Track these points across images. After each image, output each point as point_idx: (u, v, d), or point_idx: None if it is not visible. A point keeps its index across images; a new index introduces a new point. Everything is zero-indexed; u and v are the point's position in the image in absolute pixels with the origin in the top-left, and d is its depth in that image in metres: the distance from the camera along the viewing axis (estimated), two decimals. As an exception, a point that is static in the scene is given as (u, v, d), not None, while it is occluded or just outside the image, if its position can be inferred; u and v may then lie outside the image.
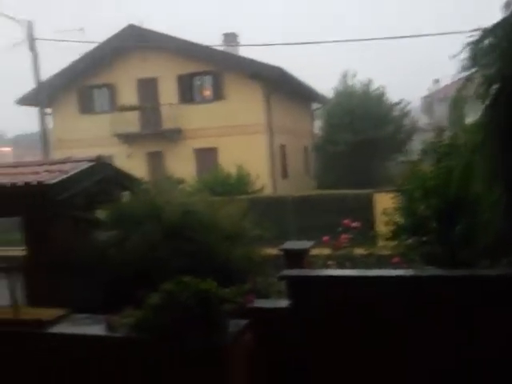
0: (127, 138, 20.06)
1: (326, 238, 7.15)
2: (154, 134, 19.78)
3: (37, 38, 17.03)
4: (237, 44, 22.07)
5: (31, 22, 16.89)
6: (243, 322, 2.81)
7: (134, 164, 16.13)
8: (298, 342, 3.39)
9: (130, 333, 2.68)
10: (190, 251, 3.85)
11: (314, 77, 25.61)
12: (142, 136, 19.90)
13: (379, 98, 21.62)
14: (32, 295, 4.92)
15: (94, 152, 6.87)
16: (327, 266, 6.18)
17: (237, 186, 16.20)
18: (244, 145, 18.61)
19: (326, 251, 6.82)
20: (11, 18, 16.42)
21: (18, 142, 38.33)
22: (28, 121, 23.94)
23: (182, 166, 18.46)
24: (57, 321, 2.84)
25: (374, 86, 21.92)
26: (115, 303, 3.04)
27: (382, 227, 5.31)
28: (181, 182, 13.45)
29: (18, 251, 7.26)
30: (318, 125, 24.87)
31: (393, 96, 21.98)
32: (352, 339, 3.34)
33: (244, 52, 21.80)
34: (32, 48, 16.93)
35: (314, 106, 26.24)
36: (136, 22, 19.87)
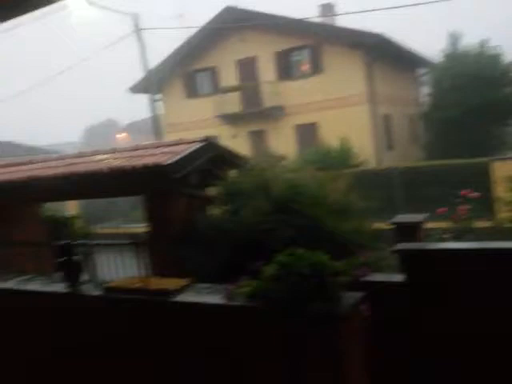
0: (230, 119, 20.64)
1: (441, 210, 6.78)
2: (256, 112, 20.10)
3: (143, 29, 18.04)
4: (333, 14, 21.43)
5: (137, 14, 17.93)
6: (359, 295, 2.80)
7: (237, 143, 16.63)
8: (412, 316, 3.31)
9: (247, 302, 2.81)
10: (298, 224, 3.91)
11: (417, 41, 23.98)
12: (244, 116, 20.33)
13: (494, 58, 19.66)
14: (155, 267, 5.36)
15: (200, 134, 7.20)
16: (443, 240, 5.89)
17: (339, 159, 15.91)
18: (345, 117, 18.19)
19: (441, 224, 6.47)
20: (119, 11, 17.55)
21: (131, 128, 41.24)
22: (140, 108, 25.63)
23: (284, 144, 18.61)
24: (181, 290, 3.06)
25: (490, 44, 19.96)
26: (231, 273, 3.21)
27: (503, 197, 4.92)
28: (283, 158, 13.58)
29: (141, 228, 7.92)
30: (424, 91, 23.34)
31: (509, 54, 19.87)
32: (470, 316, 3.18)
33: (342, 22, 21.14)
34: (139, 38, 18.00)
35: (419, 71, 24.67)
36: (233, 4, 20.18)
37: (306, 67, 19.97)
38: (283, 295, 2.53)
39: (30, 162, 7.27)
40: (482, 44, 19.82)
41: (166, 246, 5.27)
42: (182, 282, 3.13)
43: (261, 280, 2.74)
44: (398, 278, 3.48)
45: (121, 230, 6.76)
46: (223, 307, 2.83)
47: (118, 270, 6.45)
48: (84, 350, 3.24)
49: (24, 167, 7.06)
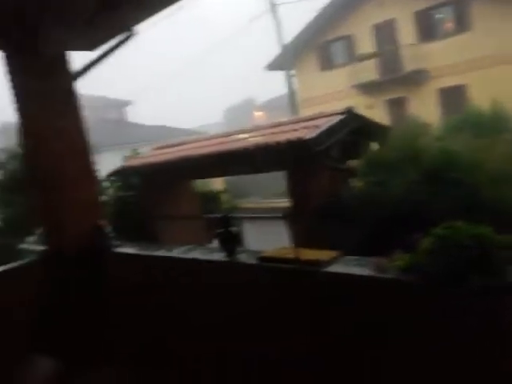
0: (366, 88, 19.96)
1: None
2: (394, 79, 19.12)
3: (277, 4, 18.18)
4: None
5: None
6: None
7: (374, 113, 16.04)
8: None
9: (400, 275, 2.76)
10: (454, 194, 3.69)
11: None
12: (382, 83, 19.49)
13: None
14: (299, 240, 5.53)
15: (336, 106, 7.13)
16: None
17: (493, 126, 14.41)
18: (499, 78, 16.34)
19: None
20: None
21: (267, 106, 42.19)
22: (276, 85, 26.09)
23: (426, 111, 17.43)
24: (331, 261, 3.12)
25: None
26: (378, 247, 3.17)
27: None
28: (427, 126, 12.78)
29: (283, 202, 8.20)
30: None
31: None
32: None
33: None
34: (274, 15, 18.20)
35: None
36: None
37: (450, 25, 18.32)
38: (441, 269, 2.44)
39: (184, 143, 7.96)
40: None
41: (309, 220, 5.40)
42: (332, 253, 3.18)
43: (415, 253, 2.67)
44: None
45: (263, 205, 7.07)
46: (375, 279, 2.82)
47: (264, 242, 6.79)
48: (239, 316, 3.52)
49: (178, 148, 7.76)
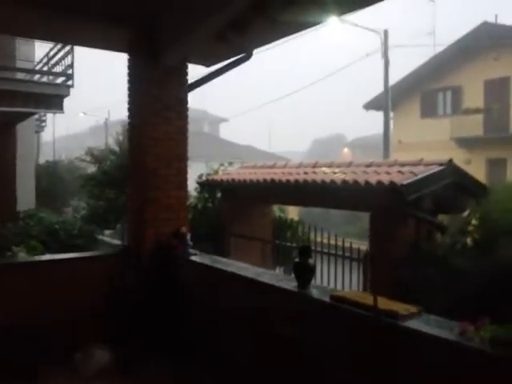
0: (466, 143, 19.05)
1: None
2: (499, 138, 18.09)
3: (389, 46, 18.02)
4: None
5: (386, 30, 17.97)
6: None
7: (471, 170, 15.18)
8: None
9: (486, 346, 2.52)
10: None
11: None
12: (485, 140, 18.52)
13: None
14: (375, 285, 5.29)
15: (430, 155, 6.83)
16: None
17: None
18: None
19: None
20: (368, 28, 17.90)
21: (356, 143, 41.82)
22: (368, 125, 25.80)
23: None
24: (410, 316, 2.93)
25: None
26: (464, 310, 2.94)
27: None
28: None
29: (359, 243, 7.94)
30: None
31: None
32: None
33: None
34: (384, 55, 18.04)
35: None
36: (490, 19, 18.59)
37: None
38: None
39: (270, 167, 8.02)
40: None
41: (388, 267, 5.16)
42: (412, 308, 2.99)
43: (509, 327, 2.43)
44: None
45: (337, 242, 6.88)
46: (455, 344, 2.60)
47: (336, 280, 6.61)
48: (300, 349, 3.41)
49: (264, 170, 7.83)
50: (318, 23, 5.13)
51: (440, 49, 19.91)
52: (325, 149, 46.63)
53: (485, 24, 18.47)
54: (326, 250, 6.81)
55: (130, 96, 5.30)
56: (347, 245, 6.54)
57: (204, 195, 8.30)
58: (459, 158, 18.32)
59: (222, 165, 8.80)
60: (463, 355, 2.63)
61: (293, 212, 15.43)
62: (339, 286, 6.46)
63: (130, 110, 5.32)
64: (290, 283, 3.63)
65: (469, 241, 4.17)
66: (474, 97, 19.13)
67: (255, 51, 5.44)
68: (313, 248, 6.83)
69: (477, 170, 17.57)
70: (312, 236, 8.96)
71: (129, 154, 5.39)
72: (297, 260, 3.45)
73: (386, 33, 17.71)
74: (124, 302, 4.55)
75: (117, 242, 9.02)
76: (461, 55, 19.16)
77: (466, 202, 5.45)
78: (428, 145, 19.09)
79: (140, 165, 5.11)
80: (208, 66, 6.60)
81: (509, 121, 17.94)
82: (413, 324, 2.85)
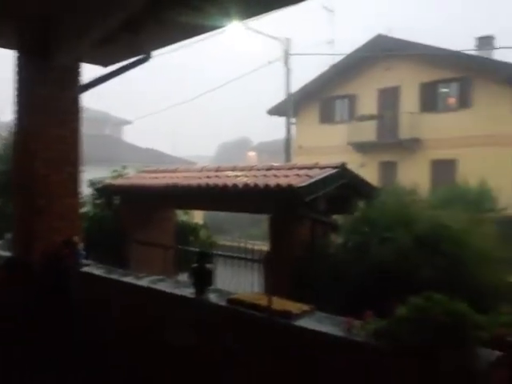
0: (362, 147, 20.32)
1: None
2: (390, 143, 19.54)
3: (291, 54, 18.63)
4: (492, 48, 20.02)
5: (288, 38, 18.57)
6: (497, 354, 2.51)
7: (365, 173, 16.16)
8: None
9: (370, 339, 2.67)
10: (442, 266, 3.65)
11: None
12: (377, 145, 19.89)
13: None
14: (273, 287, 5.40)
15: (329, 159, 7.17)
16: None
17: (478, 202, 14.64)
18: (490, 157, 16.76)
19: None
20: (270, 36, 18.37)
21: (261, 148, 42.76)
22: (273, 129, 26.50)
23: (416, 178, 17.54)
24: (302, 315, 3.02)
25: None
26: (354, 306, 3.09)
27: None
28: (414, 193, 12.90)
29: (260, 245, 8.10)
30: None
31: None
32: None
33: (501, 56, 19.69)
34: (286, 63, 18.62)
35: None
36: (384, 31, 20.00)
37: (452, 101, 18.93)
38: (413, 341, 2.36)
39: (172, 171, 7.89)
40: None
41: (286, 268, 5.30)
42: (304, 307, 3.09)
43: (390, 320, 2.59)
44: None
45: (240, 245, 6.97)
46: (344, 340, 2.73)
47: (237, 282, 6.66)
48: (199, 353, 3.37)
49: (165, 174, 7.68)
50: (219, 27, 5.16)
51: (339, 58, 21.05)
52: (231, 153, 47.05)
53: (379, 36, 19.85)
54: (228, 253, 6.83)
55: (17, 97, 4.93)
56: (250, 246, 6.62)
57: (102, 202, 7.93)
58: (355, 161, 19.44)
59: (115, 170, 8.43)
60: (351, 349, 2.77)
61: (199, 216, 15.35)
62: (242, 289, 6.52)
63: (17, 111, 4.94)
64: (187, 290, 3.59)
65: (357, 239, 4.42)
66: (369, 104, 20.48)
67: (164, 51, 5.34)
68: (216, 252, 6.86)
69: (371, 172, 18.79)
70: (216, 239, 8.99)
71: (14, 159, 4.99)
72: (194, 265, 3.41)
73: (287, 41, 18.31)
74: (8, 320, 4.19)
75: (8, 253, 8.31)
76: (357, 65, 20.40)
77: (357, 202, 5.77)
78: (327, 149, 20.06)
79: (28, 170, 4.76)
80: (105, 66, 6.35)
81: (399, 127, 19.42)
82: (305, 323, 2.95)
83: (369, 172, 18.19)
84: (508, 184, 16.37)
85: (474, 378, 2.41)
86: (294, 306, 3.04)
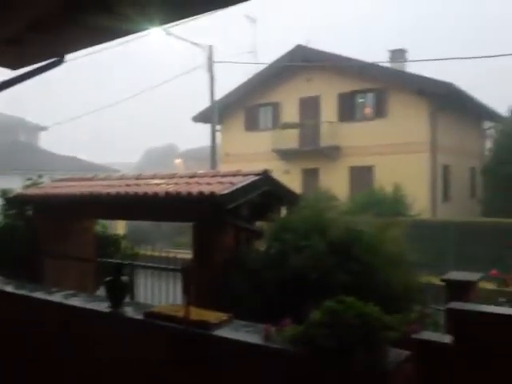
0: (285, 154, 20.79)
1: (494, 271, 6.46)
2: (312, 150, 20.16)
3: (215, 61, 18.65)
4: (404, 60, 21.35)
5: (212, 46, 18.58)
6: (405, 353, 2.63)
7: (289, 179, 16.60)
8: (460, 381, 3.09)
9: (287, 345, 2.71)
10: (353, 270, 3.79)
11: (492, 93, 23.38)
12: (300, 152, 20.44)
13: None
14: (196, 296, 5.33)
15: (254, 166, 7.24)
16: (498, 304, 5.51)
17: (392, 207, 15.52)
18: (403, 164, 17.85)
19: (491, 286, 6.15)
20: (194, 43, 18.29)
21: (187, 154, 42.42)
22: (199, 136, 26.37)
23: (336, 184, 18.42)
24: (221, 324, 3.00)
25: None
26: (274, 312, 3.12)
27: None
28: (334, 199, 13.39)
29: (185, 254, 7.98)
30: (488, 145, 22.58)
31: None
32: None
33: (413, 69, 21.04)
34: (210, 70, 18.60)
35: (486, 124, 23.96)
36: (304, 43, 20.65)
37: (368, 110, 19.93)
38: (327, 344, 2.42)
39: (91, 179, 7.57)
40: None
41: (209, 276, 5.25)
42: (222, 316, 3.06)
43: (305, 325, 2.64)
44: (448, 338, 3.26)
45: (164, 254, 6.83)
46: (261, 348, 2.74)
47: (159, 293, 6.49)
48: (115, 369, 3.23)
49: (83, 183, 7.35)
50: (139, 31, 5.03)
51: (262, 67, 21.40)
52: (158, 160, 46.21)
53: (299, 47, 20.46)
54: (150, 264, 6.64)
55: None
56: (173, 255, 6.50)
57: (14, 213, 7.42)
58: (280, 168, 19.87)
59: (29, 179, 7.95)
60: (268, 356, 2.79)
61: (122, 227, 14.85)
62: (165, 300, 6.36)
63: None
64: (102, 304, 3.43)
65: (278, 246, 4.49)
66: (291, 113, 21.02)
67: (85, 52, 5.11)
68: (137, 263, 6.65)
69: (295, 179, 19.28)
70: (140, 250, 8.74)
71: None
72: (108, 278, 3.27)
73: (210, 48, 18.32)
74: None
75: None
76: (279, 74, 20.89)
77: (279, 209, 5.86)
78: (253, 156, 20.30)
79: None
80: (15, 68, 5.96)
81: (319, 135, 20.09)
82: (223, 332, 2.92)
83: (293, 179, 18.66)
84: (420, 189, 17.51)
85: (385, 377, 2.51)
86: (211, 316, 3.01)
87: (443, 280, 5.29)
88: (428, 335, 3.39)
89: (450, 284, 5.29)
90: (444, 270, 6.21)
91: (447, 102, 18.18)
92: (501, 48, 19.12)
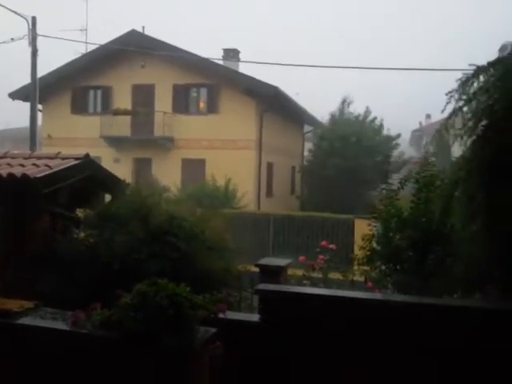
0: (116, 142, 20.04)
1: (302, 258, 7.29)
2: (145, 140, 19.79)
3: (39, 35, 16.93)
4: (237, 60, 22.30)
5: (35, 17, 16.79)
6: (212, 330, 2.83)
7: (120, 168, 16.05)
8: (266, 354, 3.43)
9: (96, 330, 2.69)
10: (172, 257, 3.89)
11: (313, 99, 25.93)
12: (132, 141, 19.89)
13: (375, 129, 21.97)
14: (7, 286, 4.87)
15: (80, 151, 6.86)
16: (303, 285, 6.23)
17: (222, 199, 16.24)
18: (232, 159, 18.72)
19: (301, 271, 6.93)
20: (14, 12, 16.34)
21: (4, 135, 37.89)
22: (16, 115, 23.77)
23: (169, 175, 18.44)
24: (25, 313, 2.83)
25: (372, 115, 22.33)
26: (89, 300, 3.05)
27: (358, 252, 5.41)
28: (166, 189, 13.43)
29: None
30: (307, 147, 25.12)
31: (386, 126, 22.38)
32: (321, 352, 3.39)
33: (247, 69, 22.12)
34: (32, 44, 16.84)
35: (307, 128, 26.57)
36: (139, 28, 20.10)
37: (202, 105, 20.35)
38: (137, 325, 2.47)
39: None
40: (365, 112, 22.12)
41: (21, 265, 4.85)
42: (27, 304, 2.89)
43: (116, 308, 2.65)
44: (254, 317, 3.60)
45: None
46: (68, 333, 2.66)
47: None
48: None
49: None
50: None
51: (93, 47, 20.20)
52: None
53: (133, 32, 19.82)
54: None
55: None
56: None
57: None
58: (110, 155, 19.08)
59: None
60: (76, 342, 2.73)
61: None
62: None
63: None
64: None
65: (97, 234, 4.38)
66: (124, 99, 20.28)
67: None
68: None
69: (126, 167, 18.70)
70: None
71: None
72: None
73: (33, 20, 16.61)
74: None
75: None
76: (112, 57, 19.93)
77: (102, 196, 5.68)
78: (79, 141, 19.03)
79: None
80: None
81: (154, 124, 19.82)
82: (27, 320, 2.77)
83: (124, 167, 18.06)
84: (248, 184, 18.61)
85: (193, 354, 2.67)
86: (14, 304, 2.82)
87: (257, 265, 5.76)
88: (236, 315, 3.70)
89: (263, 269, 5.79)
90: (263, 257, 6.75)
91: (273, 104, 19.63)
92: (328, 59, 21.29)
